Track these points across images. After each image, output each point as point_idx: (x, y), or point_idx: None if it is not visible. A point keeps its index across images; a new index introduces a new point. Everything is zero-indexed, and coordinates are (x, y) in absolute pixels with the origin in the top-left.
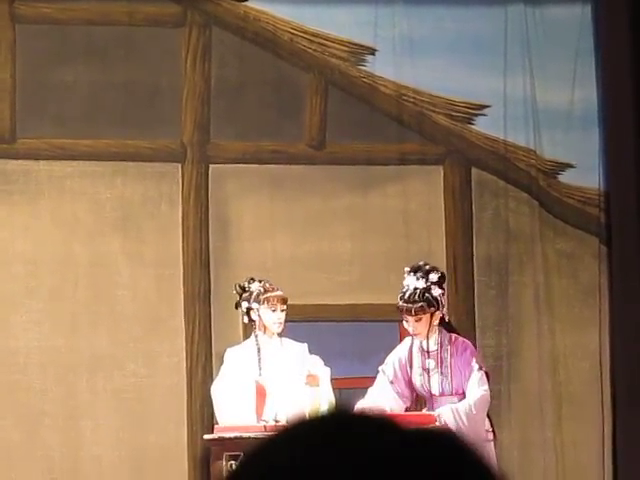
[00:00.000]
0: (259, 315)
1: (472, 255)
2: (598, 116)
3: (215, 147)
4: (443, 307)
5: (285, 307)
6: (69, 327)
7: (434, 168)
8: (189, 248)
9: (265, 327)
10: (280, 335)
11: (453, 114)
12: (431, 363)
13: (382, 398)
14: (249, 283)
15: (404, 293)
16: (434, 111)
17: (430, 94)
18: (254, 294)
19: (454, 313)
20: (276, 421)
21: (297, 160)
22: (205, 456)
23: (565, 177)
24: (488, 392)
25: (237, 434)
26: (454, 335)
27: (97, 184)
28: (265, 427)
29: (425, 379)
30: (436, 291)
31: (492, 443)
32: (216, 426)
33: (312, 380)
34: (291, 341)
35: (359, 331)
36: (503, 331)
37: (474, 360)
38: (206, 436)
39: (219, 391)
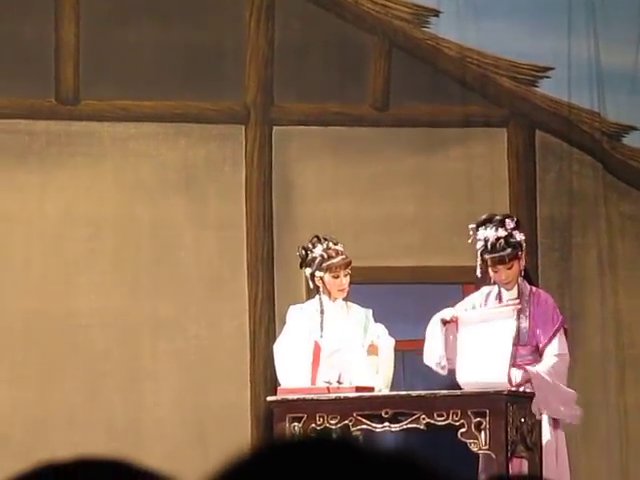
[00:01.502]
0: (323, 282)
1: (536, 217)
2: None
3: (279, 109)
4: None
5: (349, 271)
6: (131, 289)
7: (498, 130)
8: (252, 210)
9: (329, 292)
10: (345, 299)
11: (517, 76)
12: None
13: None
14: (313, 246)
15: (486, 246)
16: (498, 73)
17: (494, 56)
18: (317, 260)
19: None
20: (339, 383)
21: (361, 122)
22: (268, 418)
23: (629, 139)
24: (568, 354)
25: (300, 396)
26: (534, 287)
27: (160, 146)
28: (328, 389)
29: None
30: (519, 236)
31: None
32: (279, 388)
33: (373, 350)
34: (356, 306)
35: (421, 293)
36: (566, 293)
37: (556, 316)
38: (269, 398)
39: (281, 349)
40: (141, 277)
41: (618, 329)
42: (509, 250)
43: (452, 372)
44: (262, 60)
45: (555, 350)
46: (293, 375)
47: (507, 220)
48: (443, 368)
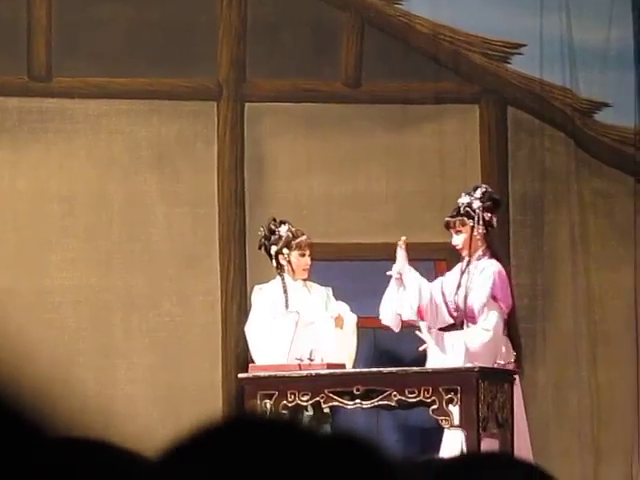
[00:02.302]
0: (289, 260)
1: (508, 194)
2: (634, 55)
3: (251, 86)
4: (486, 225)
5: (310, 252)
6: (104, 266)
7: (470, 107)
8: (224, 187)
9: (294, 271)
10: (305, 279)
11: (489, 53)
12: (464, 279)
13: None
14: (276, 226)
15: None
16: (470, 50)
17: (466, 33)
18: (283, 238)
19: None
20: (310, 359)
21: (333, 99)
22: (239, 395)
23: (601, 116)
24: (490, 333)
25: (271, 373)
26: (494, 262)
27: (133, 122)
28: (300, 365)
29: (456, 298)
30: (476, 204)
31: (517, 378)
32: (251, 365)
33: (338, 322)
34: (317, 285)
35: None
36: (538, 270)
37: (490, 287)
38: (240, 375)
39: (254, 330)
40: (113, 254)
41: (590, 305)
42: (458, 217)
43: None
44: (234, 37)
45: (484, 324)
46: (269, 353)
47: (478, 190)
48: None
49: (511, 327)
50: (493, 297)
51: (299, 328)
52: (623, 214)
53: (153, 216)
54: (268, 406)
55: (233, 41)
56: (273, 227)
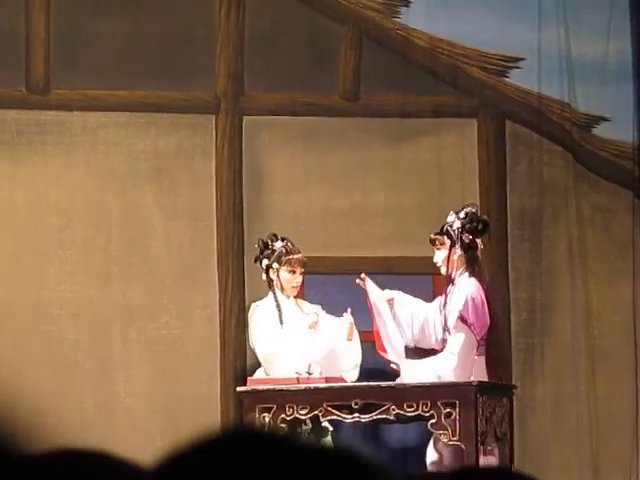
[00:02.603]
0: (278, 275)
1: (506, 208)
2: (633, 69)
3: (249, 99)
4: (466, 247)
5: (303, 270)
6: (102, 279)
7: (468, 121)
8: (223, 200)
9: (282, 287)
10: (296, 297)
11: (487, 67)
12: (448, 299)
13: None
14: (272, 241)
15: None
16: (468, 64)
17: (464, 46)
18: (276, 253)
19: (488, 266)
20: (309, 373)
21: (331, 112)
22: (238, 408)
23: (599, 130)
24: (455, 357)
25: (270, 386)
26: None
27: (131, 135)
28: (298, 379)
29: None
30: (456, 224)
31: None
32: (249, 378)
33: (349, 332)
34: (306, 302)
35: (392, 284)
36: (537, 284)
37: (459, 310)
38: (239, 388)
39: (264, 344)
40: (112, 267)
41: (588, 320)
42: (439, 233)
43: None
44: (232, 50)
45: (450, 347)
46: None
47: (464, 210)
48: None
49: (495, 345)
50: (463, 320)
51: (296, 341)
52: (621, 228)
53: (151, 229)
54: (267, 419)
55: (231, 54)
56: (269, 241)
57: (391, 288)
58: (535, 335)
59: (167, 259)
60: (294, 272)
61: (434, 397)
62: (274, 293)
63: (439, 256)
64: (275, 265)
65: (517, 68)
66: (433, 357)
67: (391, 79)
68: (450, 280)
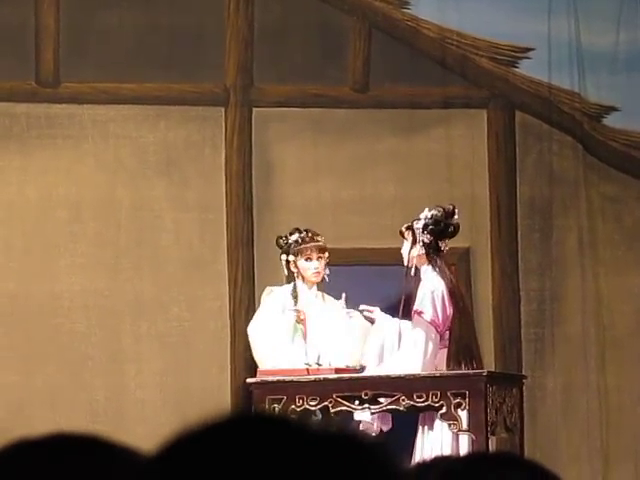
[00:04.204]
0: (297, 266)
1: (516, 199)
2: None
3: (258, 91)
4: (426, 246)
5: (324, 256)
6: (112, 271)
7: (478, 112)
8: (232, 192)
9: (303, 277)
10: (320, 289)
11: (497, 57)
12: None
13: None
14: (290, 234)
15: None
16: (478, 54)
17: (474, 37)
18: (291, 246)
19: (498, 257)
20: (318, 364)
21: (340, 103)
22: (248, 400)
23: (610, 120)
24: (417, 350)
25: (280, 377)
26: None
27: (140, 128)
28: (308, 370)
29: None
30: (418, 224)
31: None
32: (259, 369)
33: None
34: (332, 297)
35: (402, 274)
36: (547, 275)
37: (418, 304)
38: (249, 380)
39: (256, 331)
40: (122, 259)
41: (598, 310)
42: (407, 226)
43: None
44: (242, 42)
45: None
46: (272, 355)
47: (431, 210)
48: None
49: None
50: (419, 313)
51: (308, 332)
52: (632, 218)
53: (161, 221)
54: (276, 411)
55: (240, 46)
56: (287, 235)
57: (401, 279)
58: (545, 325)
59: (177, 251)
60: (310, 259)
61: (444, 387)
62: (294, 284)
63: (404, 248)
64: (291, 257)
65: (527, 58)
66: (396, 356)
67: (400, 70)
68: (409, 273)
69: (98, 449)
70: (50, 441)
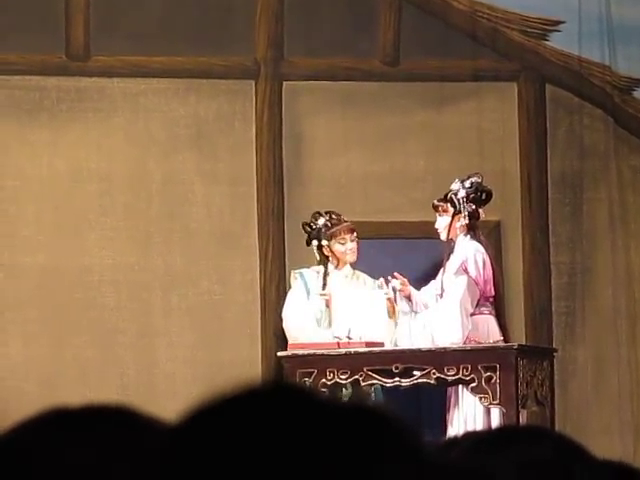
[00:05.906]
0: (331, 250)
1: (546, 172)
2: None
3: (288, 64)
4: (470, 216)
5: (355, 235)
6: (143, 245)
7: (508, 85)
8: (262, 166)
9: (339, 260)
10: (352, 266)
11: (527, 30)
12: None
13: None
14: (315, 219)
15: None
16: (508, 27)
17: (504, 10)
18: (322, 230)
19: (528, 230)
20: (349, 338)
21: (371, 77)
22: (279, 373)
23: None
24: (456, 304)
25: (310, 351)
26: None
27: (171, 101)
28: (338, 344)
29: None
30: (461, 193)
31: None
32: (290, 343)
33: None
34: (365, 275)
35: (432, 248)
36: (577, 248)
37: (462, 260)
38: (280, 353)
39: (287, 319)
40: (152, 233)
41: (629, 283)
42: (442, 199)
43: None
44: (272, 15)
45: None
46: (307, 336)
47: (469, 179)
48: None
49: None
50: (464, 270)
51: (338, 308)
52: None
53: (192, 195)
54: (307, 384)
55: (271, 19)
56: (312, 222)
57: (431, 252)
58: (576, 299)
59: (207, 225)
60: (344, 241)
61: (474, 361)
62: (325, 266)
63: (441, 222)
64: (324, 242)
65: (557, 31)
66: (431, 309)
67: (431, 43)
68: (449, 246)
69: (130, 419)
70: (82, 410)
